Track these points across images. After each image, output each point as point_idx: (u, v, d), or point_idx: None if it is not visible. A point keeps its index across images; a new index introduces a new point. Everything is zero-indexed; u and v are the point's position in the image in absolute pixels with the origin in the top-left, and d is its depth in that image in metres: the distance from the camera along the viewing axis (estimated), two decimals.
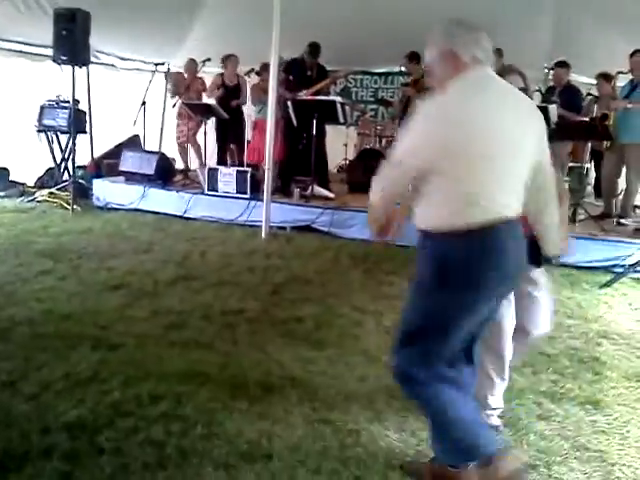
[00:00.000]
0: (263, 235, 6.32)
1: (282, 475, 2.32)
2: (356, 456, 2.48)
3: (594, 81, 7.93)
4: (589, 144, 6.99)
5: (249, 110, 8.33)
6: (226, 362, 3.27)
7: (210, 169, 7.13)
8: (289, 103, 7.00)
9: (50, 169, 8.28)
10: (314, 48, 7.30)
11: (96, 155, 8.32)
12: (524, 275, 2.39)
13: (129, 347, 3.40)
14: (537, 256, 2.44)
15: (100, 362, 3.18)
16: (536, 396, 3.08)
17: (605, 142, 6.73)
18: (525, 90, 2.69)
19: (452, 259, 2.06)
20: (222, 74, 8.30)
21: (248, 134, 8.38)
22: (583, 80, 8.15)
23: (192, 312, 4.00)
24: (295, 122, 7.07)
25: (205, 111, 8.06)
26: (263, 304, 4.27)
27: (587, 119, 6.88)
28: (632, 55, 6.33)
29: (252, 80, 8.16)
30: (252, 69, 8.08)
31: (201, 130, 8.17)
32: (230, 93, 8.12)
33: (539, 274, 2.72)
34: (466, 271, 2.05)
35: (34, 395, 2.80)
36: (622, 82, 6.84)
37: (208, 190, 7.05)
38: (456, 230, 2.04)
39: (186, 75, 8.50)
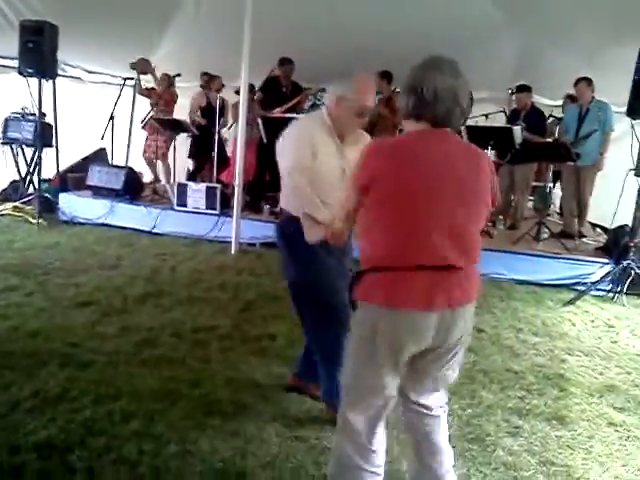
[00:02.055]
0: (233, 251, 6.32)
1: None
2: None
3: (556, 102, 8.24)
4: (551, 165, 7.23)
5: (232, 130, 8.38)
6: (198, 379, 3.26)
7: (180, 184, 7.11)
8: (259, 120, 7.05)
9: (14, 182, 8.12)
10: (284, 61, 7.43)
11: (62, 169, 8.19)
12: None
13: (99, 365, 3.36)
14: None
15: (70, 380, 3.13)
16: (504, 412, 3.15)
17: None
18: None
19: None
20: (206, 93, 8.34)
21: (229, 152, 8.45)
22: (546, 102, 8.43)
23: (163, 329, 3.98)
24: (265, 139, 7.11)
25: (174, 127, 8.05)
26: (234, 321, 4.27)
27: (550, 140, 7.11)
28: (576, 83, 6.60)
29: (231, 99, 8.23)
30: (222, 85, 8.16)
31: (171, 148, 8.20)
32: (213, 114, 8.13)
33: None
34: None
35: (2, 414, 2.76)
36: None
37: (177, 205, 7.02)
38: None
39: (159, 89, 8.46)
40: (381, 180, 1.88)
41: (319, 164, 2.67)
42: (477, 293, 2.03)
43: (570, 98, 7.75)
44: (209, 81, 8.32)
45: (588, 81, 6.50)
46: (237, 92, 7.86)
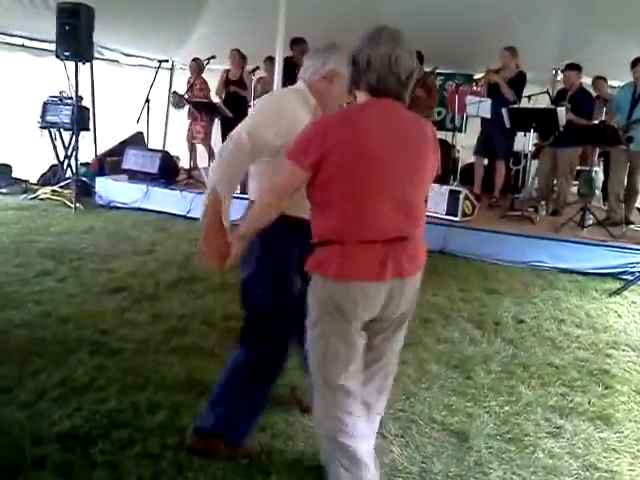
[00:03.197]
0: None
1: None
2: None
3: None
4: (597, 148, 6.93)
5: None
6: None
7: None
8: None
9: (53, 166, 8.22)
10: (297, 40, 7.28)
11: (99, 152, 8.26)
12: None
13: (128, 353, 3.33)
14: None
15: (98, 368, 3.11)
16: (544, 410, 3.00)
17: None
18: None
19: None
20: (227, 70, 8.28)
21: None
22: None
23: (193, 317, 3.93)
24: None
25: (210, 110, 8.00)
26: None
27: (596, 122, 6.79)
28: (634, 64, 6.24)
29: (259, 73, 8.13)
30: (257, 67, 8.04)
31: (213, 133, 8.19)
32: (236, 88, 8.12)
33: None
34: None
35: (29, 403, 2.73)
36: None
37: None
38: None
39: (191, 75, 8.42)
40: (331, 156, 1.85)
41: None
42: (424, 261, 2.06)
43: (601, 79, 7.41)
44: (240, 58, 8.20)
45: None
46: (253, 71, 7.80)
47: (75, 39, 6.81)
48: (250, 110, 2.29)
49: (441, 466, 2.48)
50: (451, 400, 3.05)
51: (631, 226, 6.35)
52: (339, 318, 1.94)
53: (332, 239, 1.92)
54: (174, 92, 8.83)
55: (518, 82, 6.91)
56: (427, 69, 7.53)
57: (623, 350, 3.86)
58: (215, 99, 8.32)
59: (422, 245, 2.05)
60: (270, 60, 7.78)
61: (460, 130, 7.90)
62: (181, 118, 8.99)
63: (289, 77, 7.29)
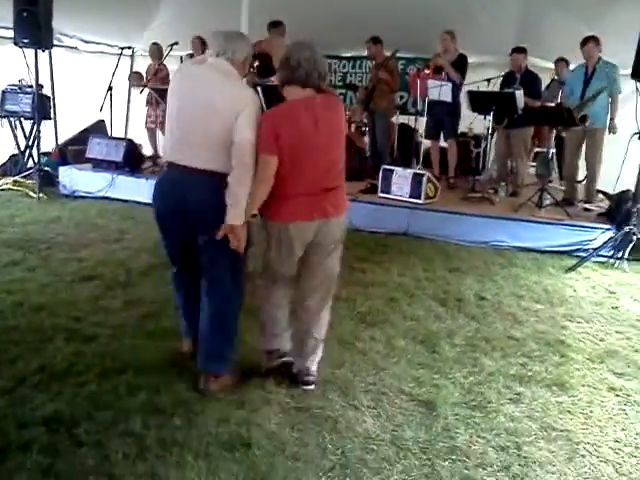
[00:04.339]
0: None
1: (261, 463, 2.37)
2: (333, 442, 2.54)
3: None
4: (557, 129, 7.15)
5: None
6: None
7: None
8: (259, 89, 6.95)
9: (13, 156, 8.07)
10: (276, 23, 7.15)
11: (61, 141, 8.14)
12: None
13: (104, 338, 3.40)
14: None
15: (75, 354, 3.17)
16: (505, 379, 3.19)
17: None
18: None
19: None
20: (191, 55, 8.23)
21: None
22: (548, 65, 8.30)
23: (167, 301, 3.96)
24: (265, 108, 7.04)
25: None
26: None
27: (552, 104, 7.02)
28: (583, 43, 6.35)
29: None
30: (176, 42, 7.90)
31: None
32: None
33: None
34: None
35: (9, 389, 2.79)
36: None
37: None
38: None
39: (151, 61, 8.34)
40: (281, 141, 2.63)
41: None
42: (345, 206, 2.93)
43: (564, 61, 7.64)
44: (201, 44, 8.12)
45: (596, 41, 6.26)
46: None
47: (34, 26, 6.70)
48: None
49: (411, 433, 2.64)
50: (418, 373, 3.21)
51: (586, 205, 6.61)
52: (284, 247, 2.84)
53: (278, 194, 2.72)
54: (135, 71, 8.67)
55: (460, 64, 7.11)
56: (387, 53, 7.66)
57: (578, 322, 4.09)
58: None
59: (343, 195, 2.93)
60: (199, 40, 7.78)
61: (422, 114, 8.04)
62: (142, 106, 8.91)
63: (269, 63, 7.33)
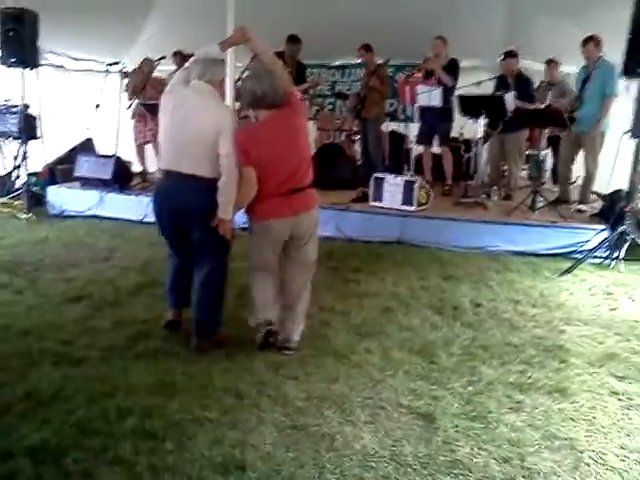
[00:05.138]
0: None
1: None
2: (331, 461, 2.47)
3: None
4: (546, 131, 7.12)
5: None
6: (194, 371, 3.22)
7: None
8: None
9: (0, 177, 8.00)
10: (294, 38, 7.38)
11: (49, 161, 8.07)
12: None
13: (93, 361, 3.32)
14: None
15: (63, 379, 3.08)
16: (505, 388, 3.12)
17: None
18: None
19: None
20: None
21: None
22: (537, 67, 8.28)
23: (157, 321, 3.91)
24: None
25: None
26: (228, 309, 4.19)
27: (543, 106, 6.99)
28: (584, 43, 6.32)
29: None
30: (163, 56, 7.85)
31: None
32: None
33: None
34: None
35: None
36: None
37: None
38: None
39: (138, 75, 8.27)
40: (253, 154, 3.24)
41: None
42: (314, 203, 3.50)
43: (554, 62, 7.63)
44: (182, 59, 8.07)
45: (596, 41, 6.22)
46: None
47: (20, 45, 6.67)
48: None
49: (411, 448, 2.57)
50: (416, 384, 3.14)
51: (580, 206, 6.57)
52: (266, 241, 3.43)
53: (257, 198, 3.31)
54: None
55: (452, 69, 7.08)
56: (380, 61, 7.65)
57: (576, 325, 4.02)
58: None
59: (312, 194, 3.47)
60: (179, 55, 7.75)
61: (412, 120, 8.02)
62: (130, 121, 8.83)
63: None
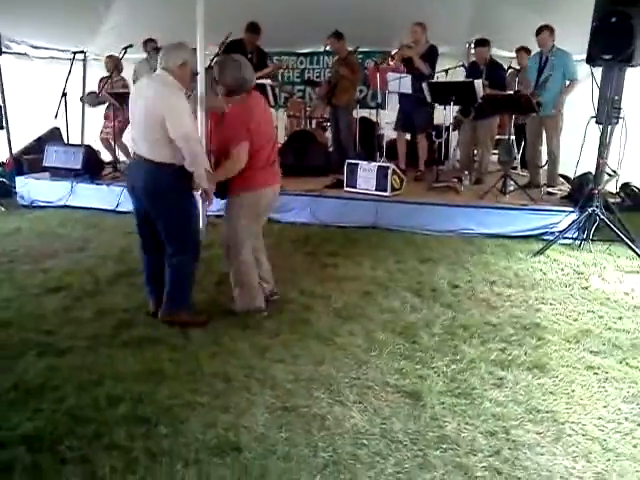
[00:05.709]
0: (201, 225, 6.19)
1: (254, 466, 2.33)
2: (324, 440, 2.52)
3: (514, 54, 8.25)
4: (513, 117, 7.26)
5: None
6: (181, 357, 3.24)
7: None
8: None
9: None
10: (253, 26, 7.32)
11: (15, 151, 7.90)
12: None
13: (79, 350, 3.30)
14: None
15: (50, 369, 3.07)
16: (487, 365, 3.21)
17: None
18: None
19: None
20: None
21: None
22: (503, 54, 8.42)
23: (139, 309, 3.91)
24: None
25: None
26: (210, 295, 4.24)
27: (511, 92, 7.12)
28: (538, 32, 6.54)
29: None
30: (130, 45, 7.74)
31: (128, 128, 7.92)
32: None
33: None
34: None
35: None
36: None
37: None
38: None
39: (108, 72, 8.09)
40: (250, 130, 3.53)
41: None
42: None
43: (524, 50, 7.77)
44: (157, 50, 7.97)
45: (550, 29, 6.44)
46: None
47: None
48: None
49: (400, 425, 2.64)
50: (401, 364, 3.21)
51: (549, 189, 6.74)
52: (254, 210, 3.78)
53: (253, 167, 3.62)
54: (90, 92, 8.47)
55: (430, 56, 7.13)
56: (350, 48, 7.66)
57: (550, 304, 4.15)
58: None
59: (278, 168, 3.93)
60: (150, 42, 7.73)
61: (382, 107, 8.06)
62: (98, 112, 8.68)
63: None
